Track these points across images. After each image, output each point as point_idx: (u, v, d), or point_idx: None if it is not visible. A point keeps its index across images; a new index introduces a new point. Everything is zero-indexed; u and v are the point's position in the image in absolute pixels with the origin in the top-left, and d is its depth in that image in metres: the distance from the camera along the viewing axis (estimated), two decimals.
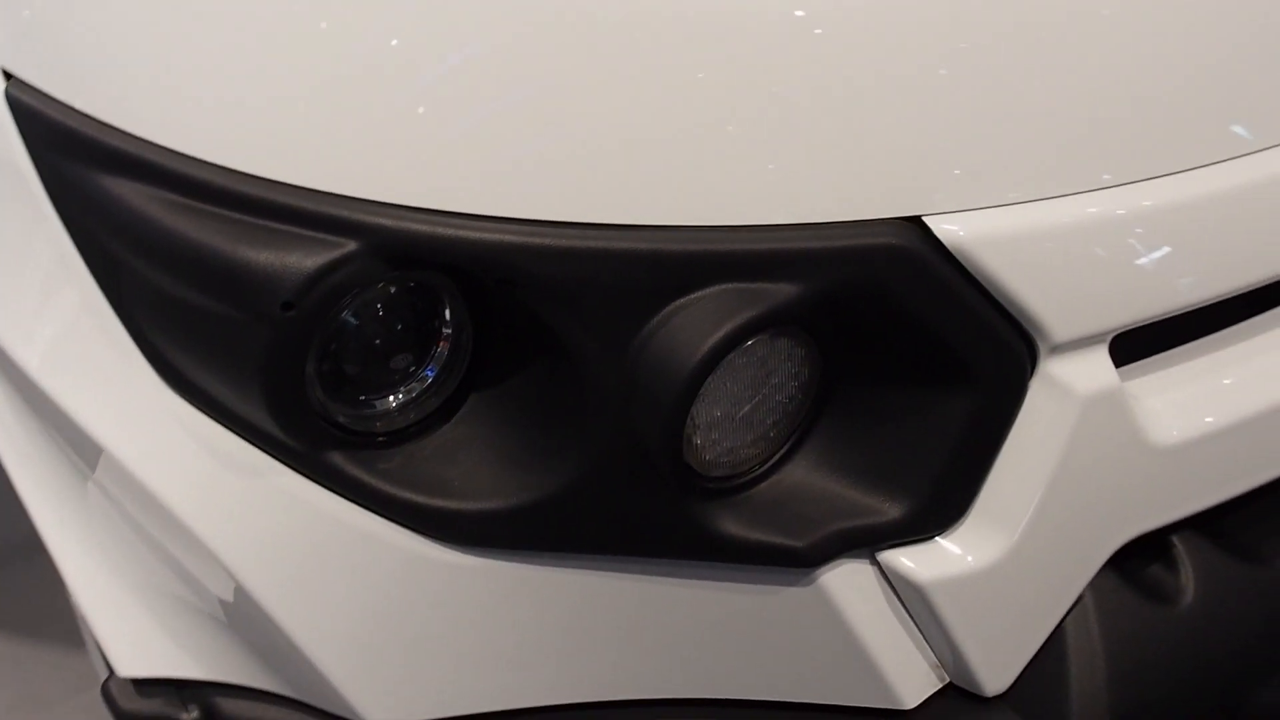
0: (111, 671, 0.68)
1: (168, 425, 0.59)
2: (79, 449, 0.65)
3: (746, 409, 0.56)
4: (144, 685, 0.68)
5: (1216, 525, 0.68)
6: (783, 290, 0.52)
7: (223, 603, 0.61)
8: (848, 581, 0.59)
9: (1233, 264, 0.63)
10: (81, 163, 0.58)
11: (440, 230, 0.51)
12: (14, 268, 0.64)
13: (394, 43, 0.53)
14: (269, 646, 0.61)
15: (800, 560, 0.57)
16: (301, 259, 0.51)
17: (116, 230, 0.57)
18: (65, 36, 0.61)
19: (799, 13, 0.54)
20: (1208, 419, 0.64)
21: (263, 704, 0.66)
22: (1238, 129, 0.63)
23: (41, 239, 0.62)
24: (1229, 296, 0.63)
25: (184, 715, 0.66)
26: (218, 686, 0.67)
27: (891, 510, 0.57)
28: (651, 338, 0.52)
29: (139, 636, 0.68)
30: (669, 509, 0.56)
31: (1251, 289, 0.64)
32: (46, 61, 0.62)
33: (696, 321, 0.51)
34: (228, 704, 0.66)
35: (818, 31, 0.54)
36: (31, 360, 0.64)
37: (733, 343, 0.52)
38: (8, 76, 0.63)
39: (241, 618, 0.61)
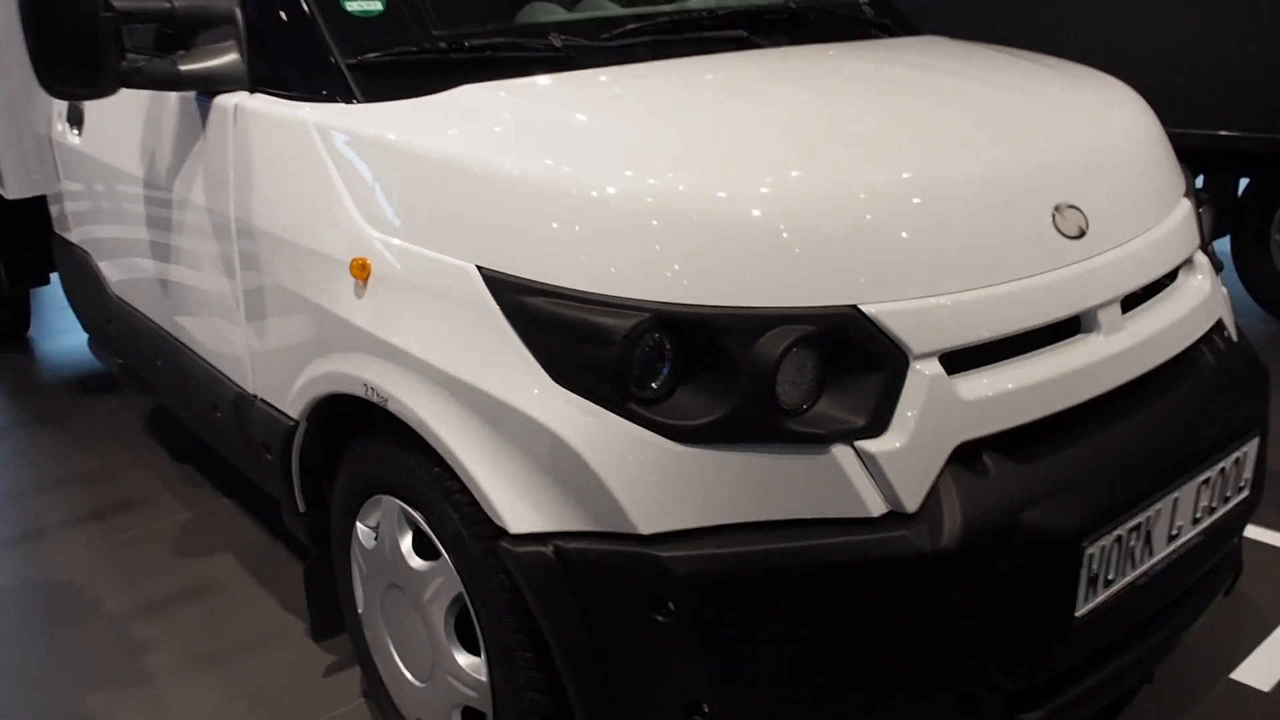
0: (505, 531, 1.55)
1: (555, 397, 1.48)
2: (503, 421, 1.54)
3: (791, 376, 1.44)
4: (520, 538, 1.54)
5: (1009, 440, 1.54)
6: (804, 329, 1.42)
7: (575, 481, 1.48)
8: (845, 455, 1.45)
9: (1018, 316, 1.51)
10: (520, 297, 1.51)
11: (680, 311, 1.42)
12: (482, 346, 1.55)
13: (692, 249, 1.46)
14: (593, 498, 1.47)
15: (812, 439, 1.44)
16: (628, 319, 1.42)
17: (539, 321, 1.48)
18: (507, 238, 1.55)
19: (782, 229, 1.46)
20: (989, 390, 1.51)
21: (580, 539, 1.51)
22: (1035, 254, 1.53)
23: (495, 328, 1.53)
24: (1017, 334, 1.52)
25: (545, 549, 1.52)
26: (556, 535, 1.52)
27: (857, 419, 1.45)
28: (758, 352, 1.41)
29: (518, 512, 1.54)
30: (768, 424, 1.43)
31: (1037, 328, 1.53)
32: (498, 254, 1.55)
33: (772, 342, 1.41)
34: (567, 545, 1.51)
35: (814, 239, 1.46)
36: (487, 382, 1.54)
37: (786, 351, 1.41)
38: (479, 269, 1.57)
39: (583, 486, 1.47)
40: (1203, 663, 2.28)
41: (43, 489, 3.36)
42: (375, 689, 2.09)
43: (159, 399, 3.17)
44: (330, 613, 2.21)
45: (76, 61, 1.95)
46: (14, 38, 3.23)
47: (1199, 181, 4.23)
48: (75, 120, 2.89)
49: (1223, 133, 3.76)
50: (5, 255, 3.95)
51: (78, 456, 3.59)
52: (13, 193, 3.37)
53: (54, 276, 4.13)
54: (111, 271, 2.93)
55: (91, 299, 3.12)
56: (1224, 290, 2.03)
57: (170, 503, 3.21)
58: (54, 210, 3.34)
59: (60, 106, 3.00)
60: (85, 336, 4.76)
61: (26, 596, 2.76)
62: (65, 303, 5.16)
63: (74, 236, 3.17)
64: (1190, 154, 3.87)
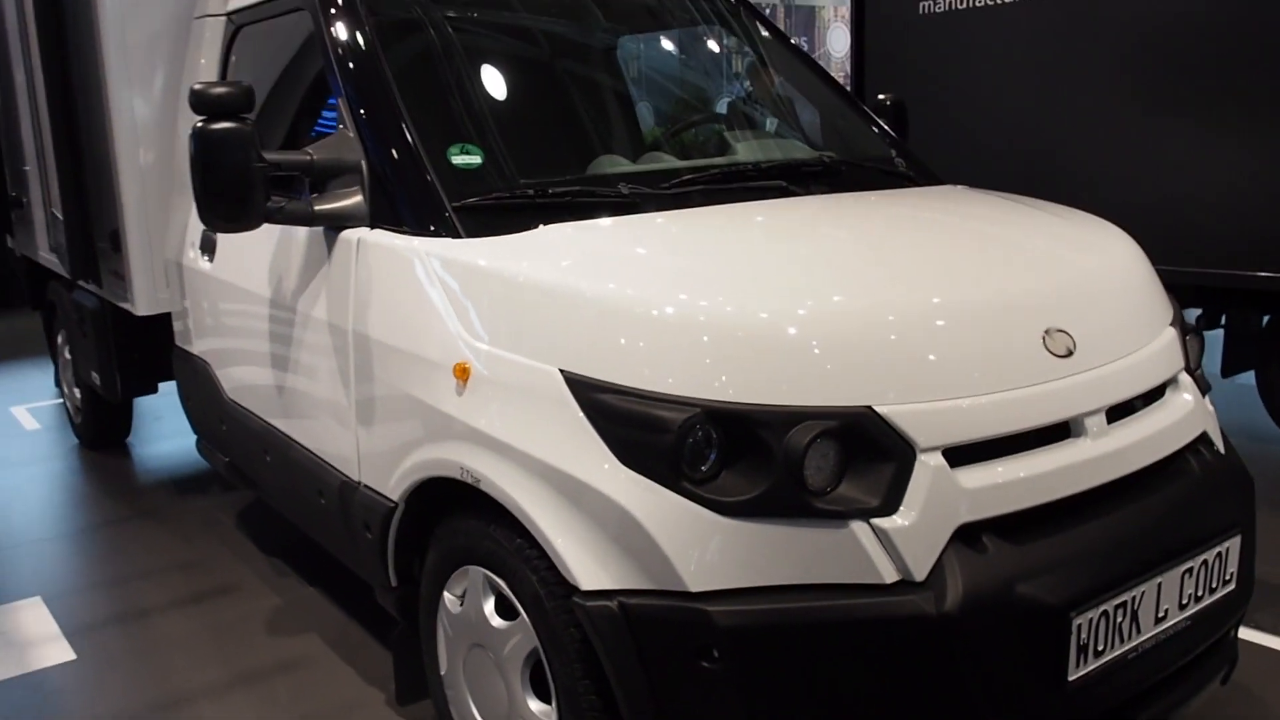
0: (577, 589, 1.85)
1: (621, 476, 1.81)
2: (577, 496, 1.86)
3: (817, 463, 1.76)
4: (589, 594, 1.85)
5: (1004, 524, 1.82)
6: (826, 424, 1.74)
7: (636, 546, 1.79)
8: (862, 530, 1.75)
9: (1010, 420, 1.83)
10: (595, 394, 1.85)
11: (725, 407, 1.76)
12: (562, 433, 1.90)
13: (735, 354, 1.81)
14: (651, 561, 1.78)
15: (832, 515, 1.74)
16: (682, 413, 1.76)
17: (610, 414, 1.83)
18: (583, 347, 1.90)
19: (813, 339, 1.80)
20: (986, 481, 1.81)
21: (640, 595, 1.81)
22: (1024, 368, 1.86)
23: (573, 419, 1.88)
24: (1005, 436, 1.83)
25: (611, 603, 1.82)
26: (619, 592, 1.83)
27: (872, 500, 1.75)
28: (788, 442, 1.74)
29: (589, 571, 1.85)
30: (798, 502, 1.74)
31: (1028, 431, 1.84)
32: (576, 359, 1.91)
33: (800, 434, 1.73)
34: (629, 600, 1.81)
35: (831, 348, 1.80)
36: (565, 463, 1.88)
37: (812, 441, 1.73)
38: (561, 371, 1.92)
39: (643, 550, 1.78)
40: None
41: (146, 575, 3.73)
42: None
43: (259, 493, 3.54)
44: (413, 679, 2.50)
45: (232, 201, 2.40)
46: (155, 184, 3.78)
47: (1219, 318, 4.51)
48: (207, 249, 3.37)
49: (1245, 273, 4.05)
50: (124, 366, 4.41)
51: (176, 548, 3.96)
52: (142, 310, 3.85)
53: (160, 387, 4.59)
54: (229, 379, 3.36)
55: (207, 404, 3.54)
56: (1210, 408, 2.31)
57: (260, 589, 3.55)
58: (177, 326, 3.80)
59: (193, 236, 3.50)
60: (177, 444, 5.21)
61: (135, 666, 3.08)
62: (157, 413, 5.67)
63: (195, 348, 3.62)
64: (1215, 293, 4.18)
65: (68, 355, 5.21)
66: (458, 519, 2.20)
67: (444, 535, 2.25)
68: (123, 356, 4.40)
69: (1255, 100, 3.79)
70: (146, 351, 4.32)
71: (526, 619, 2.00)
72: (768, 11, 18.37)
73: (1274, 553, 3.48)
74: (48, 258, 5.09)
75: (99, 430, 5.21)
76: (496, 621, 2.11)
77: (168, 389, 4.54)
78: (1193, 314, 4.33)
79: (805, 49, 19.25)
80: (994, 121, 4.60)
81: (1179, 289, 4.17)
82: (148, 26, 3.72)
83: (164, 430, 5.53)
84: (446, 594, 2.28)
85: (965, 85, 4.68)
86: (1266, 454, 4.57)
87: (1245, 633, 2.97)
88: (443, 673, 2.35)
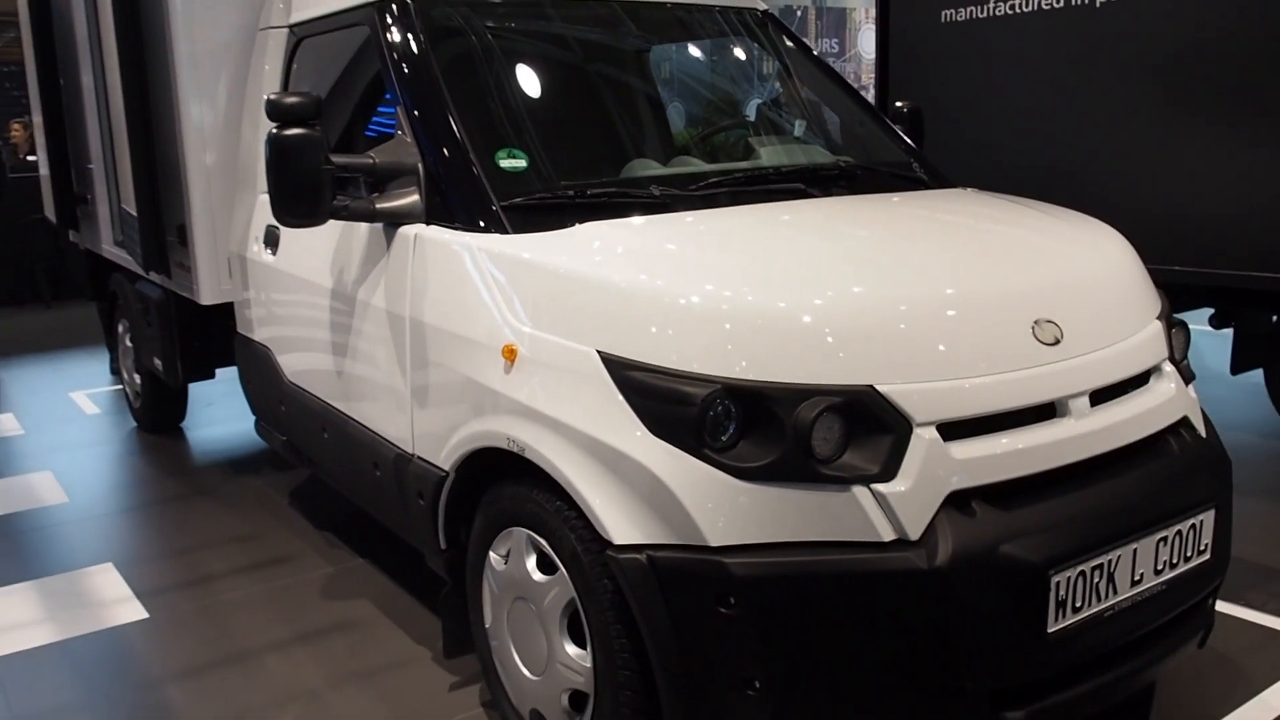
0: (610, 543, 2.11)
1: (650, 444, 2.06)
2: (611, 462, 2.12)
3: (823, 434, 2.00)
4: (621, 548, 2.10)
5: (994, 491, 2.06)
6: (832, 399, 1.98)
7: (663, 505, 2.04)
8: (863, 495, 1.99)
9: (997, 400, 2.06)
10: (628, 372, 2.11)
11: (742, 384, 2.01)
12: (598, 406, 2.15)
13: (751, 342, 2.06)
14: (676, 518, 2.03)
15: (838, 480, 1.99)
16: (704, 389, 2.01)
17: (641, 389, 2.08)
18: (618, 330, 2.16)
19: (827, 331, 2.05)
20: (975, 453, 2.04)
21: (666, 549, 2.07)
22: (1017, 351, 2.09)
23: (608, 394, 2.13)
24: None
25: (640, 556, 2.08)
26: (648, 546, 2.08)
27: (872, 467, 1.99)
28: (797, 416, 1.98)
29: (621, 528, 2.10)
30: (806, 469, 1.99)
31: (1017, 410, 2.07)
32: (612, 341, 2.16)
33: (808, 408, 1.98)
34: (656, 553, 2.07)
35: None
36: (600, 433, 2.13)
37: (819, 415, 1.97)
38: (598, 352, 2.18)
39: (668, 509, 2.04)
40: (1189, 713, 2.68)
41: (207, 546, 4.03)
42: (495, 693, 2.63)
43: (314, 469, 3.83)
44: (459, 635, 2.77)
45: (303, 200, 2.68)
46: (219, 183, 4.08)
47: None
48: (271, 242, 3.66)
49: (1254, 274, 4.23)
50: (185, 353, 4.73)
51: (234, 522, 4.27)
52: (206, 299, 4.15)
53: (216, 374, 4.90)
54: (289, 363, 3.65)
55: (268, 386, 3.84)
56: (1193, 395, 2.52)
57: (314, 560, 3.84)
58: (239, 315, 4.10)
59: (257, 231, 3.79)
60: (229, 428, 5.56)
61: (203, 624, 3.38)
62: (209, 399, 5.99)
63: (257, 335, 3.92)
64: (1226, 293, 4.36)
65: (128, 343, 5.54)
66: (503, 485, 2.46)
67: (490, 501, 2.52)
68: (185, 344, 4.71)
69: (1263, 109, 3.97)
70: (207, 339, 4.64)
71: (565, 573, 2.26)
72: (800, 13, 18.57)
73: (1269, 538, 3.66)
74: (112, 251, 5.43)
75: (157, 414, 5.55)
76: (538, 576, 2.37)
77: (221, 376, 4.87)
78: (1205, 313, 4.52)
79: (836, 50, 19.47)
80: (1012, 126, 4.81)
81: (1192, 289, 4.38)
82: (216, 37, 4.03)
83: (216, 416, 5.85)
84: (492, 554, 2.54)
85: (984, 91, 4.89)
86: (1273, 449, 4.75)
87: (1234, 609, 3.18)
88: (487, 625, 2.62)
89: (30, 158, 11.79)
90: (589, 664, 2.24)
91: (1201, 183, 4.22)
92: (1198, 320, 4.82)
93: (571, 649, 2.31)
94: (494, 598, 2.57)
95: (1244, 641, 3.02)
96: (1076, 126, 4.55)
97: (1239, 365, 4.43)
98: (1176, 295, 4.48)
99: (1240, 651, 2.96)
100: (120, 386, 6.12)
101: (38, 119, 6.59)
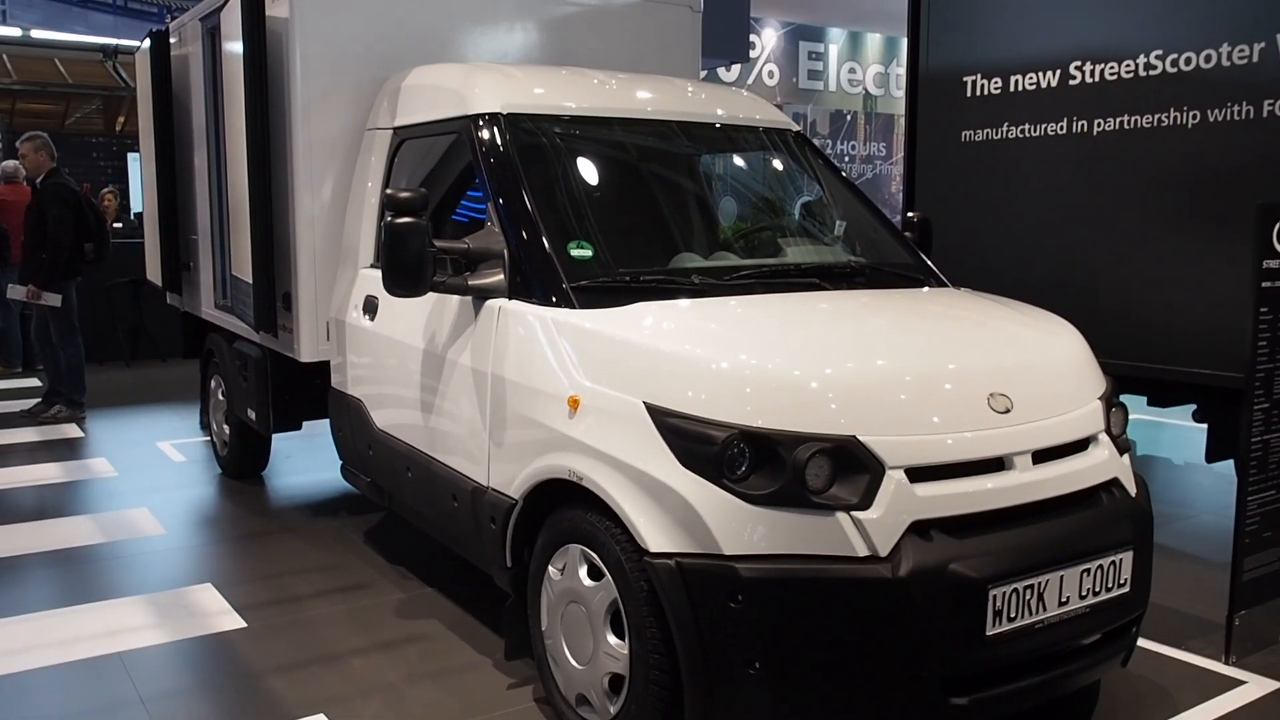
0: (647, 551, 2.78)
1: (682, 474, 2.75)
2: (650, 488, 2.80)
3: (815, 471, 2.67)
4: (655, 555, 2.77)
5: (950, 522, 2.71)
6: (822, 445, 2.67)
7: (689, 522, 2.72)
8: (845, 520, 2.66)
9: (954, 453, 2.73)
10: (666, 418, 2.81)
11: (755, 430, 2.70)
12: (642, 445, 2.85)
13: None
14: (699, 532, 2.70)
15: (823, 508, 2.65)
16: (725, 433, 2.70)
17: (676, 432, 2.78)
18: (660, 386, 2.87)
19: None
20: (935, 493, 2.71)
21: (690, 557, 2.73)
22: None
23: (650, 435, 2.83)
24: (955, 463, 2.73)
25: (670, 562, 2.75)
26: (676, 554, 2.75)
27: (852, 498, 2.66)
28: (795, 456, 2.66)
29: (656, 539, 2.77)
30: (801, 498, 2.66)
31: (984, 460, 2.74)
32: (655, 394, 2.87)
33: (803, 451, 2.66)
34: (683, 559, 2.74)
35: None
36: (643, 465, 2.82)
37: (811, 457, 2.65)
38: (644, 403, 2.89)
39: (694, 525, 2.71)
40: None
41: (294, 572, 4.74)
42: (547, 685, 3.28)
43: (392, 506, 4.55)
44: (520, 640, 3.43)
45: (410, 276, 3.44)
46: (323, 259, 4.89)
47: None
48: (369, 310, 4.44)
49: (1227, 374, 4.80)
50: (277, 405, 5.50)
51: (316, 554, 4.98)
52: (306, 357, 4.93)
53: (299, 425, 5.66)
54: (379, 414, 4.40)
55: (357, 434, 4.59)
56: (1126, 462, 3.17)
57: (389, 586, 4.53)
58: (335, 372, 4.88)
59: (357, 300, 4.58)
60: (306, 478, 6.31)
61: (295, 633, 4.07)
62: (287, 453, 6.76)
63: (350, 390, 4.68)
64: (1206, 390, 4.95)
65: (220, 396, 6.35)
66: (563, 510, 3.15)
67: (552, 523, 3.21)
68: (277, 397, 5.49)
69: (1238, 231, 4.61)
70: (297, 393, 5.41)
71: (610, 578, 2.93)
72: (850, 117, 19.58)
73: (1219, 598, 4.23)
74: (211, 313, 6.28)
75: (243, 462, 6.32)
76: (588, 582, 3.04)
77: (296, 434, 5.62)
78: (1188, 409, 5.13)
79: (884, 154, 20.39)
80: (1019, 235, 5.53)
81: (1175, 386, 5.00)
82: (328, 133, 4.87)
83: (294, 467, 6.62)
84: (551, 567, 3.22)
85: (996, 203, 5.63)
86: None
87: (1174, 651, 3.77)
88: (544, 628, 3.28)
89: (116, 225, 12.95)
90: (626, 651, 2.90)
91: (1181, 292, 4.88)
92: (1182, 415, 5.45)
93: (613, 639, 2.96)
94: (550, 604, 3.24)
95: (1177, 676, 3.65)
96: (1075, 238, 5.26)
97: (1213, 455, 5.01)
98: (1163, 392, 5.12)
99: (1174, 683, 3.57)
100: (207, 438, 6.91)
101: (149, 196, 7.55)
